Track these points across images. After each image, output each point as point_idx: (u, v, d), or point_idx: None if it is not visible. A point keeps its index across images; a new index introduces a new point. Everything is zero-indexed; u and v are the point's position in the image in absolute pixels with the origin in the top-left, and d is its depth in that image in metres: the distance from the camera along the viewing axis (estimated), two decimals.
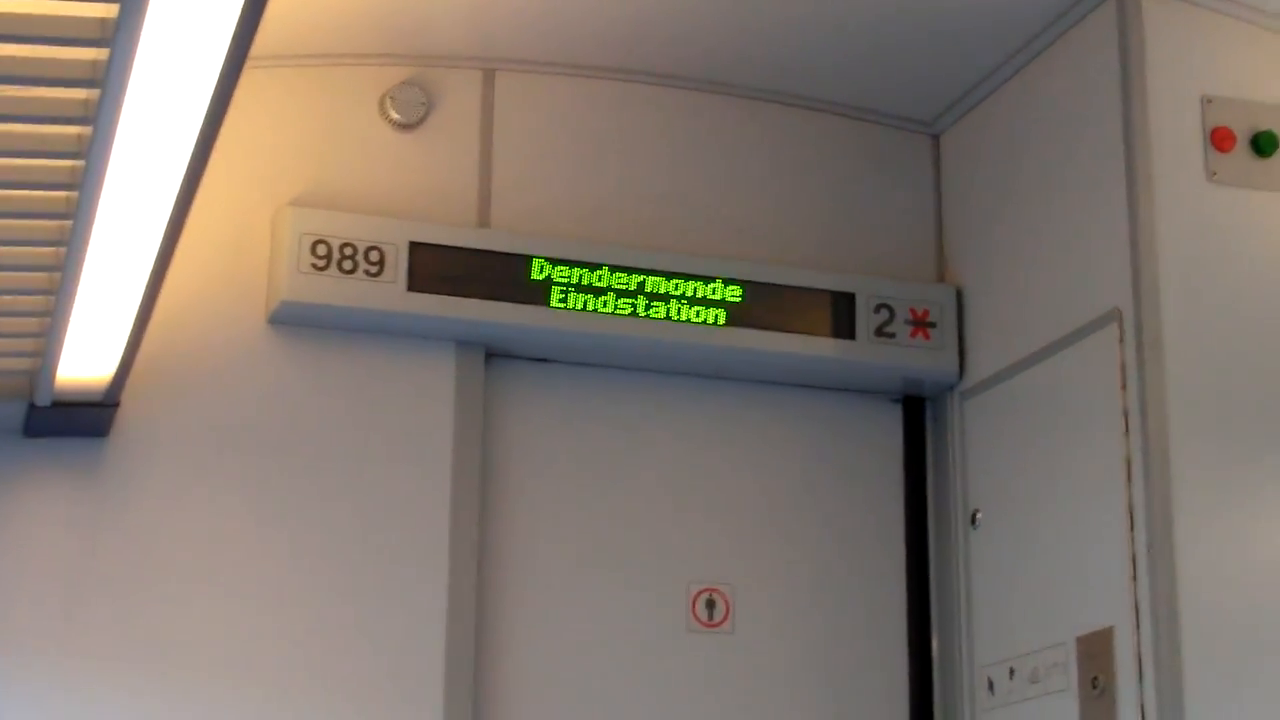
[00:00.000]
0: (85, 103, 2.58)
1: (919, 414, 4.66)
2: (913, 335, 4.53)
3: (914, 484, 4.63)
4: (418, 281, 4.19)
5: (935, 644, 4.53)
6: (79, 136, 2.68)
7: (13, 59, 2.47)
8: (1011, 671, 4.19)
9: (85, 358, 3.61)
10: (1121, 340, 3.94)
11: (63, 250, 3.05)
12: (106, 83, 2.46)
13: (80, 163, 2.74)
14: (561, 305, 4.28)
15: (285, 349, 4.19)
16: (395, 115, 4.34)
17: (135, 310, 3.38)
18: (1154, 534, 3.78)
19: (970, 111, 4.60)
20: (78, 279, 3.13)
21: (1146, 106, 3.98)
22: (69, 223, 2.95)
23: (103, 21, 2.37)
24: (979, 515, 4.41)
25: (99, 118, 2.56)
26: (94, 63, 2.47)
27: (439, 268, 4.21)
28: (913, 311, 4.54)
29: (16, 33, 2.40)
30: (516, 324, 4.26)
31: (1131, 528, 3.83)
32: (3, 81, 2.53)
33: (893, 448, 4.66)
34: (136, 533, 4.02)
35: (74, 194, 2.84)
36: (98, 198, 2.82)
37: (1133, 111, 3.99)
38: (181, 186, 2.87)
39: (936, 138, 4.75)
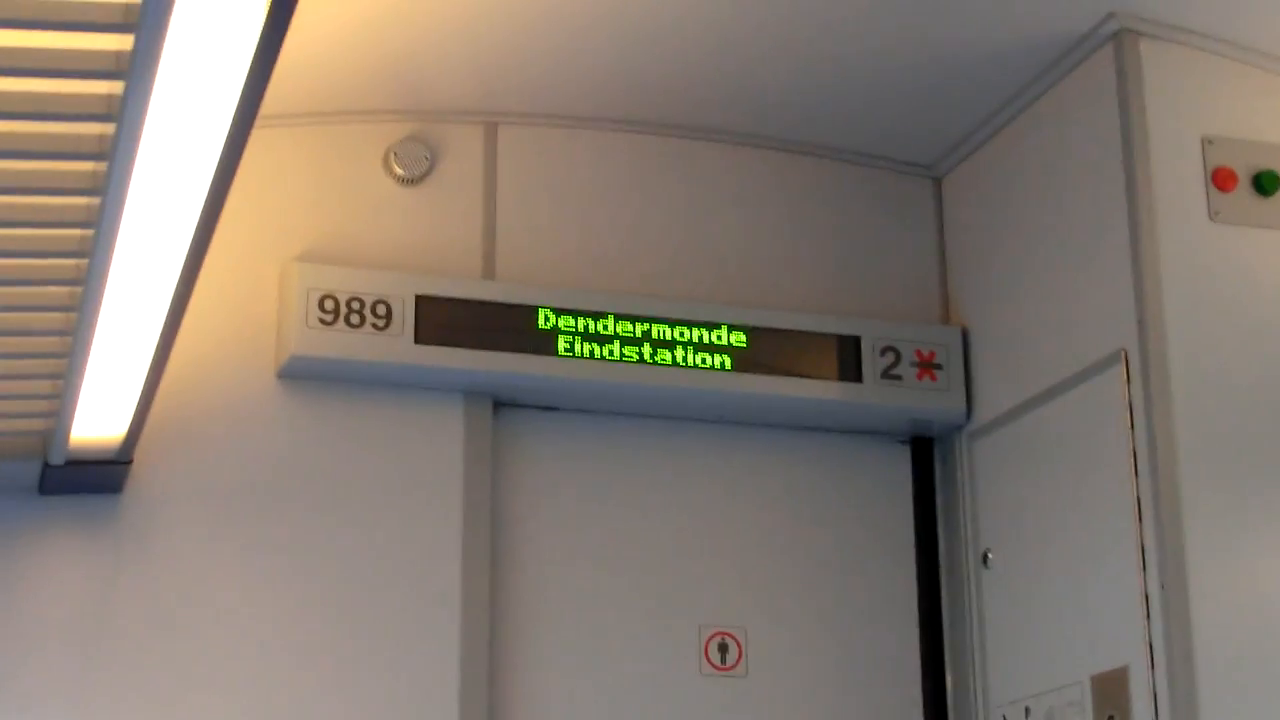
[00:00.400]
0: (94, 174, 2.61)
1: (927, 455, 4.67)
2: (919, 377, 4.54)
3: (924, 525, 4.63)
4: (425, 333, 4.21)
5: (950, 685, 4.53)
6: (88, 206, 2.71)
7: (21, 135, 2.51)
8: (1027, 711, 4.19)
9: (98, 416, 3.63)
10: (1128, 380, 3.95)
11: (74, 315, 3.08)
12: (114, 155, 2.49)
13: (90, 231, 2.76)
14: (568, 354, 4.30)
15: (295, 403, 4.21)
16: (399, 170, 4.37)
17: (147, 369, 3.41)
18: (1166, 573, 3.79)
19: (972, 154, 4.62)
20: (90, 342, 3.16)
21: (1148, 148, 4.00)
22: (80, 288, 2.97)
23: (109, 97, 2.39)
24: (990, 555, 4.42)
25: (107, 189, 2.59)
26: (101, 136, 2.50)
27: (446, 319, 4.24)
28: (919, 353, 4.55)
29: (25, 110, 2.43)
30: (524, 373, 4.28)
31: (1144, 567, 3.84)
32: (13, 156, 2.55)
33: (902, 489, 4.67)
34: (151, 588, 4.03)
35: (84, 261, 2.87)
36: (109, 265, 2.84)
37: (1134, 153, 4.00)
38: (191, 248, 2.90)
39: (939, 181, 4.77)
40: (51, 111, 2.43)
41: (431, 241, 4.37)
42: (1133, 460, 3.91)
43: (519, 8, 4.03)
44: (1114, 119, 4.06)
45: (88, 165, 2.59)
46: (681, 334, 4.39)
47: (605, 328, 4.34)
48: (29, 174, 2.62)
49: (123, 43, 2.26)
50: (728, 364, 4.41)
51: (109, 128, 2.45)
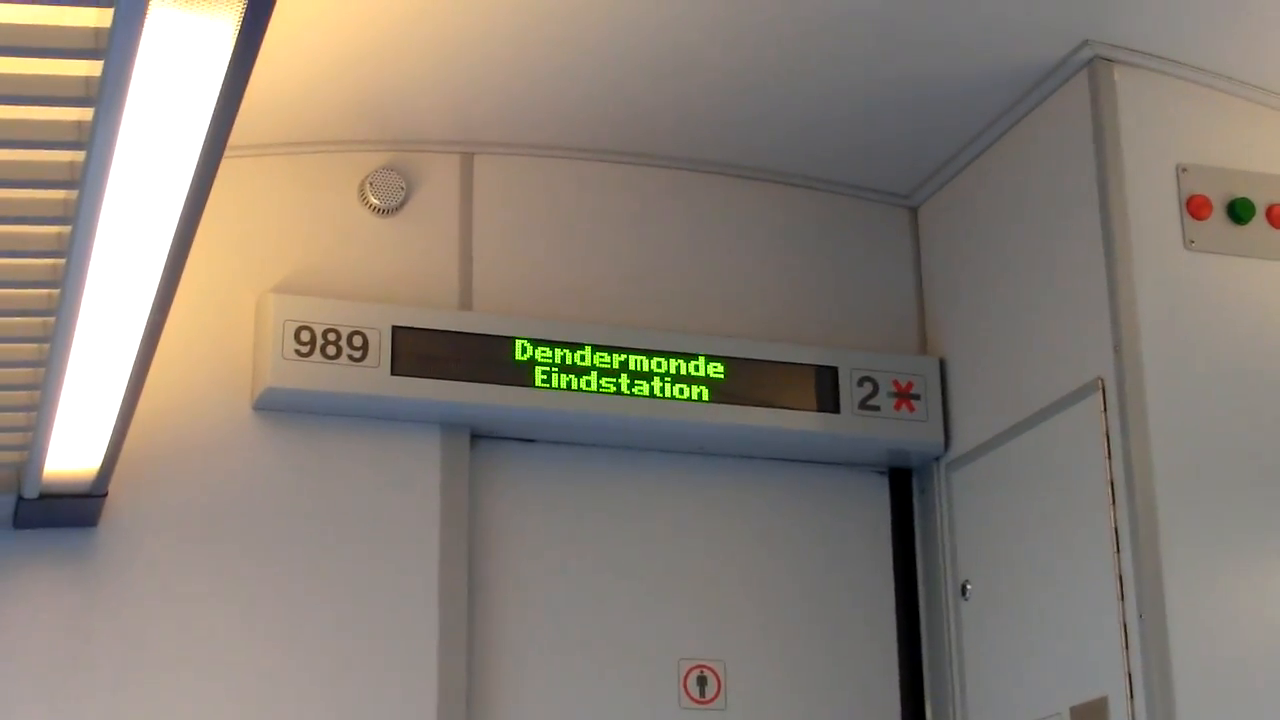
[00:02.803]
0: (65, 202, 2.60)
1: (905, 486, 4.67)
2: (897, 407, 4.54)
3: (903, 556, 4.63)
4: (401, 365, 4.20)
5: (929, 716, 4.51)
6: (59, 235, 2.70)
7: None
8: None
9: (72, 450, 3.61)
10: (1105, 409, 3.94)
11: (47, 346, 3.07)
12: (85, 181, 2.48)
13: (61, 260, 2.75)
14: (545, 385, 4.29)
15: (271, 435, 4.20)
16: (375, 200, 4.37)
17: (120, 402, 3.39)
18: (1145, 603, 3.78)
19: (947, 184, 4.63)
20: (63, 373, 3.14)
21: (1122, 176, 4.01)
22: (52, 319, 2.96)
23: (79, 124, 2.39)
24: (969, 586, 4.41)
25: (79, 215, 2.58)
26: (71, 164, 2.49)
27: (422, 351, 4.23)
28: (896, 384, 4.55)
29: None
30: (501, 405, 4.27)
31: (1122, 597, 3.83)
32: None
33: (880, 520, 4.66)
34: (126, 621, 4.01)
35: (56, 291, 2.86)
36: (81, 294, 2.83)
37: (1109, 181, 4.01)
38: (163, 278, 2.89)
39: (915, 210, 4.78)
40: (22, 139, 2.42)
41: (407, 272, 4.37)
42: (1110, 489, 3.90)
43: (495, 39, 4.04)
44: (1088, 147, 4.07)
45: (59, 194, 2.59)
46: (659, 365, 4.39)
47: (582, 359, 4.34)
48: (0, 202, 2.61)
49: (92, 69, 2.26)
50: (705, 395, 4.40)
51: (79, 155, 2.45)
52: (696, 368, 4.41)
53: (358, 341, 4.18)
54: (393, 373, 4.19)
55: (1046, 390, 4.15)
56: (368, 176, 4.38)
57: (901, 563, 4.63)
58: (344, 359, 4.16)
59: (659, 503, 4.51)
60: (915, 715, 4.53)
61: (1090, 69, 4.09)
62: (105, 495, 3.91)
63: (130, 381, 3.30)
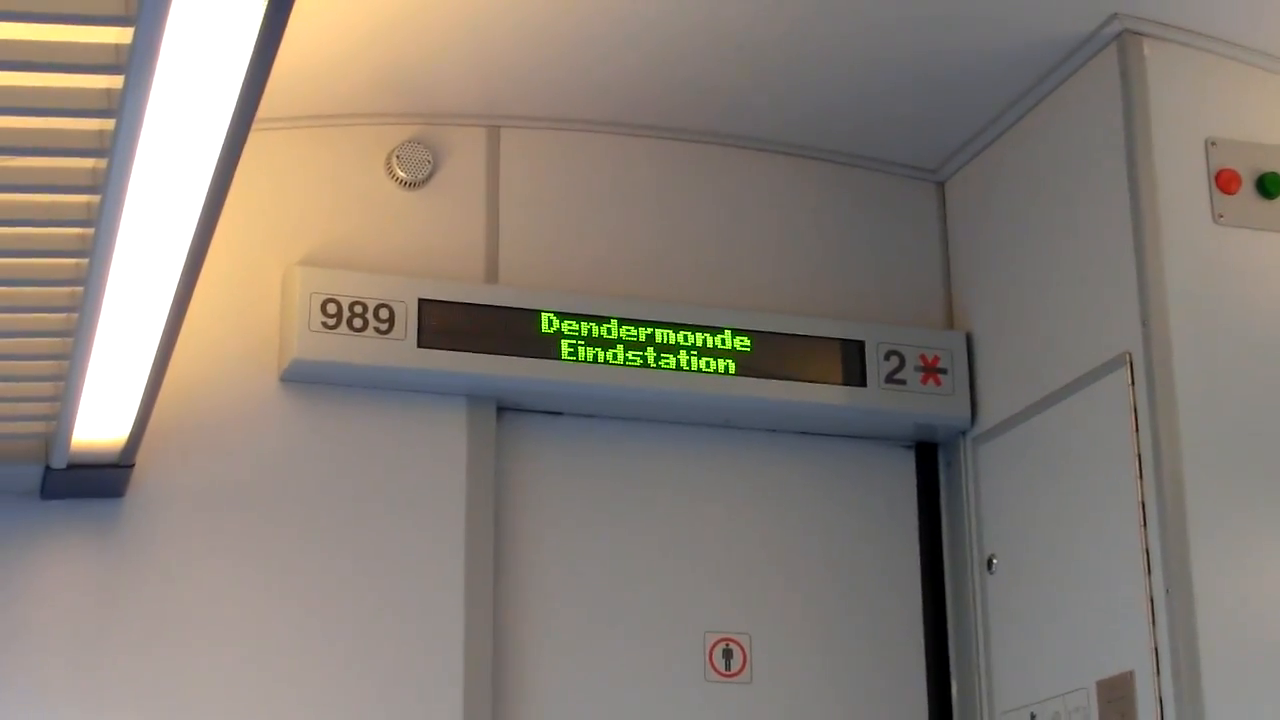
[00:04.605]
0: (93, 171, 2.61)
1: (932, 460, 4.66)
2: (923, 381, 4.53)
3: (929, 530, 4.62)
4: (428, 337, 4.21)
5: (955, 691, 4.52)
6: (88, 204, 2.70)
7: (19, 131, 2.50)
8: (1032, 717, 4.18)
9: (100, 420, 3.62)
10: (1132, 383, 3.94)
11: (75, 315, 3.07)
12: (114, 151, 2.49)
13: (90, 230, 2.76)
14: (572, 358, 4.29)
15: (298, 407, 4.21)
16: (401, 173, 4.37)
17: (148, 372, 3.40)
18: (1171, 577, 3.78)
19: (975, 158, 4.62)
20: (91, 343, 3.15)
21: (1151, 150, 4.00)
22: (80, 289, 2.97)
23: (108, 91, 2.39)
24: (995, 560, 4.41)
25: (107, 185, 2.59)
26: (100, 132, 2.50)
27: (448, 323, 4.23)
28: (923, 358, 4.55)
29: (23, 105, 2.42)
30: (527, 378, 4.28)
31: (1149, 571, 3.83)
32: (11, 152, 2.55)
33: (906, 494, 4.66)
34: (153, 592, 4.03)
35: (84, 261, 2.87)
36: (109, 263, 2.84)
37: (1137, 155, 4.00)
38: (191, 249, 2.90)
39: (942, 185, 4.77)
40: (51, 106, 2.43)
41: (434, 245, 4.38)
42: (1137, 464, 3.90)
43: (521, 12, 4.04)
44: (1117, 121, 4.06)
45: (87, 162, 2.59)
46: (685, 338, 4.39)
47: (609, 332, 4.34)
48: (28, 171, 2.62)
49: (122, 36, 2.26)
50: (731, 368, 4.41)
51: (109, 123, 2.45)
52: (723, 341, 4.41)
53: (384, 314, 4.18)
54: (419, 345, 4.20)
55: (1073, 365, 4.15)
56: (394, 149, 4.38)
57: (927, 537, 4.62)
58: (370, 331, 4.17)
59: (685, 476, 4.51)
60: (941, 689, 4.53)
61: (1119, 42, 4.07)
62: (133, 466, 3.93)
63: (158, 352, 3.31)
